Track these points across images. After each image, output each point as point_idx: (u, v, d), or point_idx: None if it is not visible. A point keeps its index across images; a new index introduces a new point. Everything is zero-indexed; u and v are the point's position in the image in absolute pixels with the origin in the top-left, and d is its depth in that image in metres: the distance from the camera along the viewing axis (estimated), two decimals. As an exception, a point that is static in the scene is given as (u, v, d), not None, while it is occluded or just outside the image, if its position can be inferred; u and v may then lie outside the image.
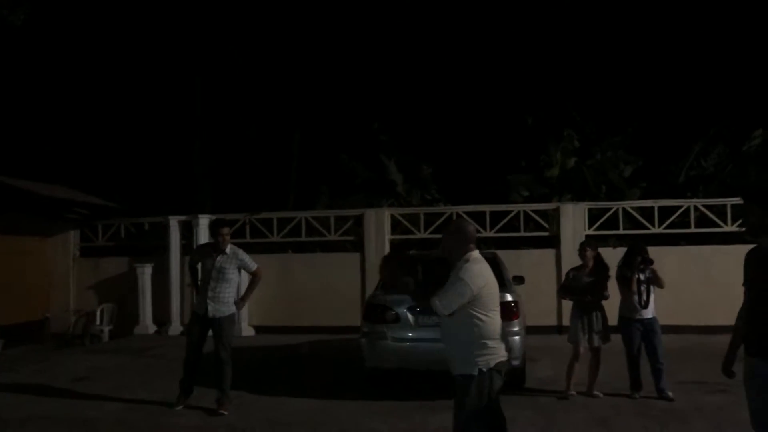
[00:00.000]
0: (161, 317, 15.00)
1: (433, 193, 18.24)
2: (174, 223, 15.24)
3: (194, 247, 14.58)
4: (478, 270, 4.59)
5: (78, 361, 11.60)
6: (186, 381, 7.80)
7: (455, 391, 4.62)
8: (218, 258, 7.68)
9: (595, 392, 8.03)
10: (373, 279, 12.09)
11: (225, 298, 7.69)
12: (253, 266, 7.95)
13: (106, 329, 14.70)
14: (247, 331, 14.52)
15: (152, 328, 15.05)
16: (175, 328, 14.77)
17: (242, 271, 7.98)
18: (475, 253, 4.70)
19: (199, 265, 8.06)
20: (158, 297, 14.96)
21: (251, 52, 21.55)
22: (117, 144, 21.03)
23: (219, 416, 7.41)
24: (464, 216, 14.63)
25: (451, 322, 4.58)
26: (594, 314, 8.03)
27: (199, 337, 7.75)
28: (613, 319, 8.22)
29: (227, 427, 7.10)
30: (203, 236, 14.91)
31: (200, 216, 15.03)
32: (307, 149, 21.97)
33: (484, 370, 4.50)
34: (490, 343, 4.54)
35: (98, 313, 14.86)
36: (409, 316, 8.20)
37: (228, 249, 7.75)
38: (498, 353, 4.58)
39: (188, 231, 15.09)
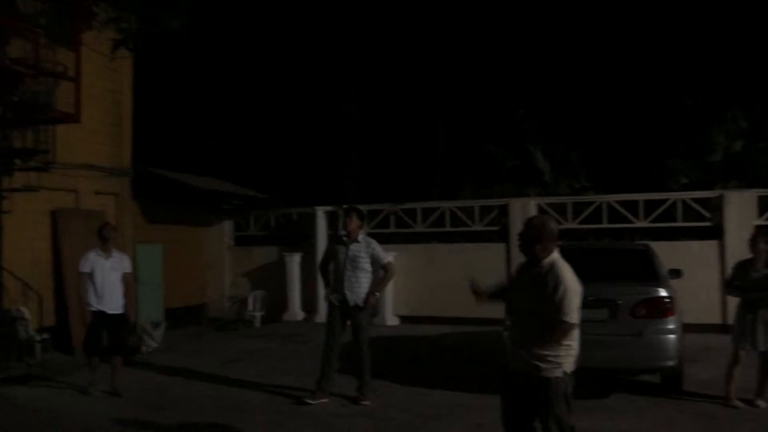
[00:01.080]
0: (309, 305, 15.45)
1: (582, 181, 17.59)
2: (321, 213, 15.66)
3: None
4: (571, 271, 4.30)
5: (231, 345, 12.26)
6: (327, 371, 7.78)
7: (538, 394, 4.31)
8: (352, 246, 7.66)
9: (759, 401, 7.28)
10: (517, 270, 11.80)
11: (361, 287, 7.63)
12: (385, 258, 7.84)
13: (258, 315, 15.32)
14: (392, 320, 14.70)
15: (300, 315, 15.56)
16: (322, 315, 15.04)
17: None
18: (557, 253, 4.38)
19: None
20: (306, 285, 15.42)
21: (395, 43, 21.70)
22: (268, 138, 21.89)
23: (360, 405, 7.48)
24: (616, 206, 14.02)
25: (535, 323, 4.28)
26: (763, 313, 7.20)
27: (338, 328, 7.76)
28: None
29: (366, 415, 7.19)
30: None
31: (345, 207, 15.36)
32: (451, 138, 21.89)
33: (568, 372, 4.28)
34: (573, 344, 4.29)
35: (250, 299, 15.53)
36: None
37: (360, 237, 7.72)
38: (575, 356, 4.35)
39: (335, 221, 15.42)
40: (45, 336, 10.40)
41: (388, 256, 7.94)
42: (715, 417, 6.95)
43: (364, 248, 7.68)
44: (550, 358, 4.23)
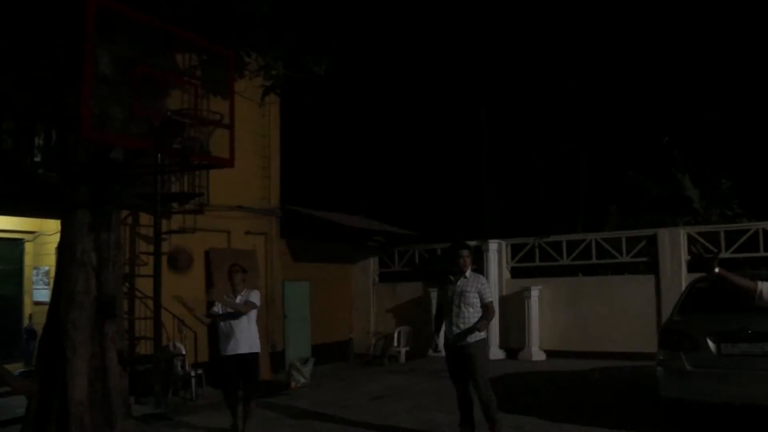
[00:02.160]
0: (453, 340, 15.40)
1: (735, 207, 16.63)
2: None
3: (485, 270, 14.95)
4: None
5: (377, 380, 12.41)
6: (466, 416, 7.52)
7: None
8: (459, 282, 7.34)
9: None
10: (669, 302, 11.31)
11: (468, 323, 7.23)
12: (489, 298, 7.39)
13: (403, 350, 15.47)
14: (538, 355, 14.43)
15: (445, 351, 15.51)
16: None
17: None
18: None
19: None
20: (450, 320, 15.42)
21: (531, 76, 21.60)
22: (410, 174, 22.28)
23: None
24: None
25: None
26: None
27: (456, 368, 7.40)
28: None
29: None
30: (493, 260, 15.24)
31: (490, 241, 15.42)
32: (594, 168, 21.39)
33: None
34: None
35: (395, 335, 15.72)
36: (711, 344, 7.50)
37: (468, 273, 7.42)
38: None
39: (479, 256, 15.39)
40: (200, 371, 10.99)
41: (491, 296, 7.49)
42: None
43: (472, 283, 7.34)
44: None
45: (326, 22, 12.47)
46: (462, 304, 7.24)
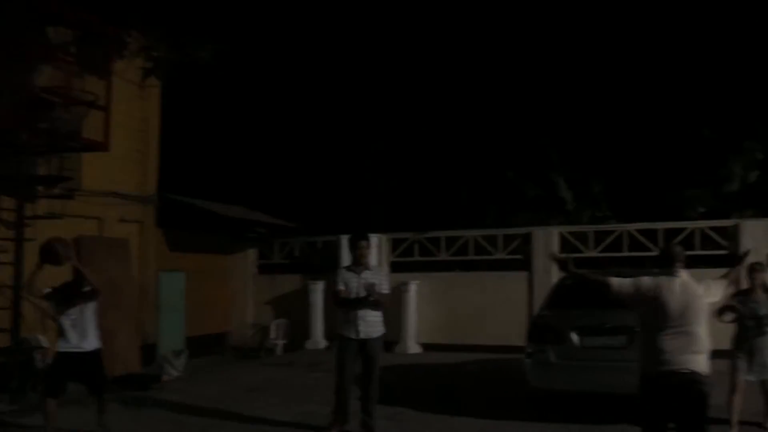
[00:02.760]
0: (332, 332, 15.43)
1: (604, 210, 17.62)
2: (345, 242, 15.67)
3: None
4: None
5: (253, 373, 12.27)
6: (341, 408, 7.43)
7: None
8: (363, 274, 7.33)
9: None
10: (541, 298, 11.80)
11: (375, 318, 7.32)
12: (386, 290, 7.49)
13: (280, 343, 15.35)
14: (414, 348, 14.68)
15: (323, 344, 15.57)
16: (344, 343, 15.18)
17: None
18: None
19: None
20: (329, 313, 15.43)
21: (421, 73, 21.94)
22: (293, 166, 22.12)
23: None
24: (636, 234, 13.99)
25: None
26: (759, 342, 7.19)
27: (351, 362, 7.36)
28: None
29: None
30: (373, 254, 15.32)
31: (370, 235, 15.43)
32: (476, 167, 21.97)
33: None
34: None
35: (273, 327, 15.58)
36: (575, 337, 7.91)
37: (371, 265, 7.49)
38: None
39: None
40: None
41: (388, 288, 7.59)
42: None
43: (375, 275, 7.43)
44: None
45: (211, 7, 12.20)
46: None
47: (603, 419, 7.74)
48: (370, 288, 7.18)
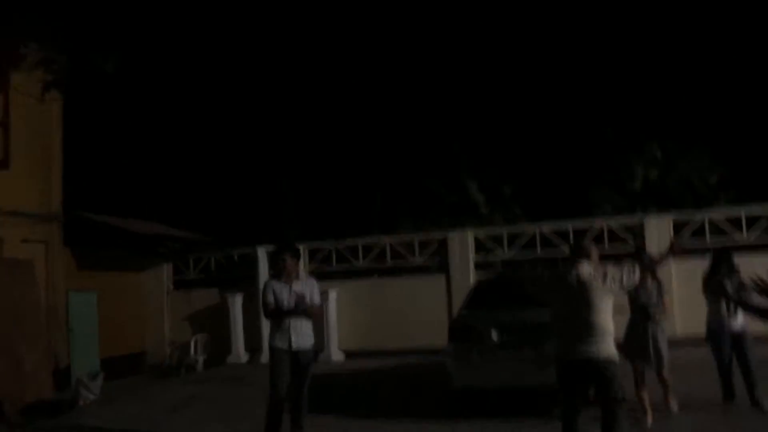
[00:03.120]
0: (253, 346, 15.27)
1: (516, 211, 18.06)
2: (262, 253, 15.58)
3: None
4: None
5: (174, 391, 11.96)
6: (276, 423, 7.19)
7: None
8: (294, 285, 7.24)
9: (672, 404, 7.62)
10: (460, 299, 11.99)
11: (306, 329, 7.29)
12: (318, 301, 7.45)
13: (201, 359, 15.06)
14: (337, 355, 14.65)
15: (245, 357, 15.35)
16: (267, 356, 15.01)
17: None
18: None
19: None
20: (249, 326, 15.25)
21: (333, 81, 21.96)
22: (205, 178, 21.73)
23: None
24: (548, 234, 14.42)
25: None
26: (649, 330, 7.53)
27: (286, 373, 7.20)
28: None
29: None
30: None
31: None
32: (390, 173, 22.14)
33: None
34: None
35: (192, 343, 15.25)
36: (494, 335, 8.07)
37: (300, 275, 7.42)
38: None
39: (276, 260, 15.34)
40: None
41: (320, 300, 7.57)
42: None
43: (305, 287, 7.32)
44: None
45: (115, 18, 11.88)
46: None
47: (525, 413, 7.93)
48: (300, 299, 7.13)
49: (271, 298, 7.21)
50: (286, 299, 7.17)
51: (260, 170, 21.79)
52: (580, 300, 5.36)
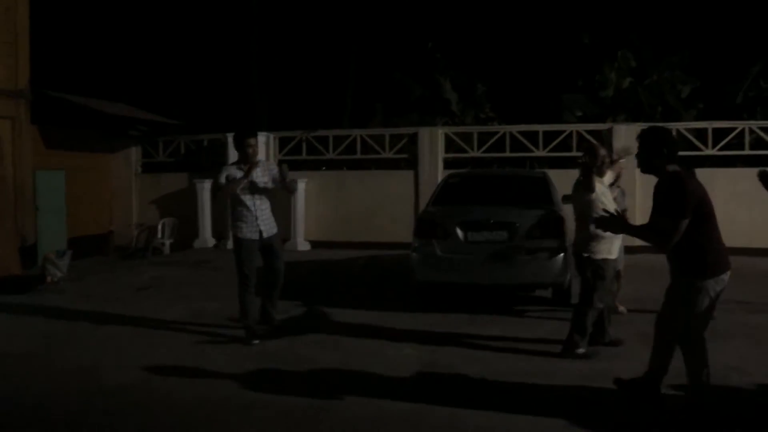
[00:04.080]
0: (220, 231, 15.45)
1: (488, 111, 18.13)
2: (231, 139, 15.45)
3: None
4: None
5: (141, 273, 12.13)
6: (250, 313, 7.16)
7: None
8: (254, 172, 7.04)
9: (620, 308, 7.99)
10: (427, 196, 12.21)
11: (270, 216, 7.23)
12: (289, 175, 7.27)
13: (168, 243, 15.21)
14: (303, 245, 14.90)
15: (211, 242, 15.56)
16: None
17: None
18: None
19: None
20: (217, 212, 15.38)
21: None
22: (177, 62, 21.29)
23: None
24: (518, 136, 14.55)
25: None
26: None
27: (256, 261, 7.16)
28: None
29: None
30: (261, 152, 15.21)
31: (258, 133, 15.26)
32: (363, 67, 21.89)
33: None
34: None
35: (159, 227, 15.35)
36: (459, 232, 8.30)
37: (261, 163, 7.24)
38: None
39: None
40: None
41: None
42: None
43: (266, 171, 7.19)
44: None
45: None
46: (257, 196, 7.07)
47: (486, 310, 8.30)
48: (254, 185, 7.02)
49: (222, 180, 7.05)
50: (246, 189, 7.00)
51: (232, 57, 21.39)
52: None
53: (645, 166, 4.75)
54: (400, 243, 12.60)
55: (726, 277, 4.60)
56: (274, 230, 7.32)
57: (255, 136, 7.31)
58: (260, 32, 21.94)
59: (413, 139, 15.15)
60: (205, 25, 21.18)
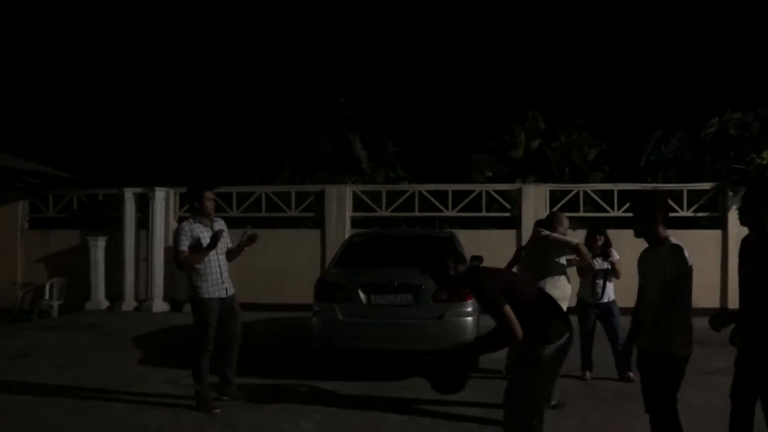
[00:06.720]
0: (114, 292, 14.55)
1: (398, 171, 18.00)
2: (129, 195, 14.75)
3: (150, 220, 14.27)
4: None
5: (22, 337, 11.15)
6: (205, 384, 6.84)
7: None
8: (214, 225, 6.80)
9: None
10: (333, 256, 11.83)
11: (227, 274, 6.93)
12: (230, 243, 7.12)
13: (56, 304, 14.21)
14: (205, 307, 14.15)
15: (104, 304, 14.61)
16: (129, 303, 14.41)
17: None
18: None
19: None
20: (111, 271, 14.50)
21: (220, 23, 21.11)
22: (71, 112, 20.41)
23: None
24: (427, 195, 14.41)
25: None
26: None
27: (214, 320, 6.79)
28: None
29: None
30: (159, 209, 14.55)
31: (157, 189, 14.66)
32: (274, 122, 21.65)
33: None
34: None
35: (47, 287, 14.36)
36: (362, 295, 7.91)
37: (215, 218, 6.95)
38: None
39: (144, 204, 14.63)
40: None
41: None
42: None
43: (223, 228, 6.84)
44: None
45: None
46: (220, 253, 6.78)
47: (391, 376, 7.88)
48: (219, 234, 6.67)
49: (185, 245, 6.60)
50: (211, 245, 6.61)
51: (133, 109, 20.70)
52: None
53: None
54: (306, 305, 12.05)
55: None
56: (232, 291, 6.93)
57: (211, 189, 6.94)
58: (169, 86, 21.40)
59: (320, 196, 14.77)
60: (108, 75, 20.44)
